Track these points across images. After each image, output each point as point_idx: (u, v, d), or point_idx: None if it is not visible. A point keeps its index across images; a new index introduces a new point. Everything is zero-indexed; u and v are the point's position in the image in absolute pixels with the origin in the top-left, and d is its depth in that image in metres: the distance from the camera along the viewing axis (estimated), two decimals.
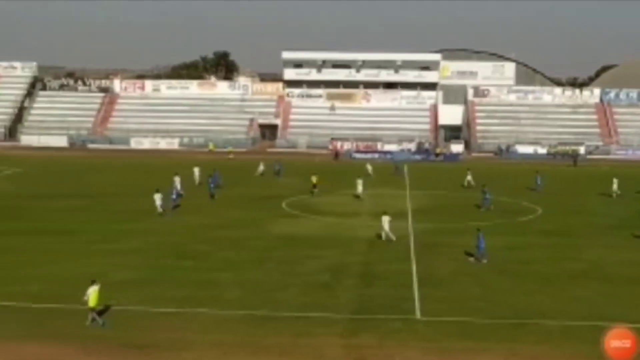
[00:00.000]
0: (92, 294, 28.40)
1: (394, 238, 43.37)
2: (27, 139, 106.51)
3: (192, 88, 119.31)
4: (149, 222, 48.93)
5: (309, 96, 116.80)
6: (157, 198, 51.60)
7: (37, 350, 25.83)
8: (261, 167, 74.67)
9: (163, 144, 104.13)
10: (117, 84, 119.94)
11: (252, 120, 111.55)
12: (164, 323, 28.69)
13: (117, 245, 41.96)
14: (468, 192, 63.69)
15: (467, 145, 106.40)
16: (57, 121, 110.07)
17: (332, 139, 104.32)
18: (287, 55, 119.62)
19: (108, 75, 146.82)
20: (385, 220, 43.63)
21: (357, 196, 59.67)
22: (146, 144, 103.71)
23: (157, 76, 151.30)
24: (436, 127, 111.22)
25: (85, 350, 25.82)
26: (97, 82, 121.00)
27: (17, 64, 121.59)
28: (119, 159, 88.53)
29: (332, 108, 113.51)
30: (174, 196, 54.68)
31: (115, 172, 75.50)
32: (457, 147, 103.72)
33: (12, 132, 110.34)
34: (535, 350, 26.28)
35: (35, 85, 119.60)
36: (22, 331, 27.53)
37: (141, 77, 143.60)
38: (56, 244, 41.83)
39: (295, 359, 25.48)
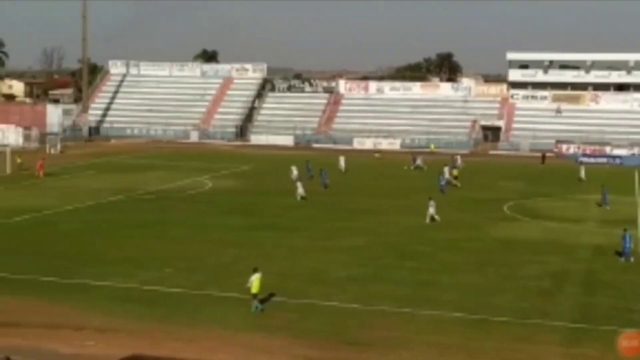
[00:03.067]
0: (255, 281, 29.79)
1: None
2: (256, 138, 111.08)
3: (415, 89, 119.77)
4: (370, 221, 49.74)
5: (534, 98, 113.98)
6: (299, 186, 57.81)
7: (265, 341, 27.03)
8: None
9: (385, 144, 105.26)
10: (342, 85, 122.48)
11: (474, 121, 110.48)
12: (382, 321, 29.16)
13: (339, 242, 43.00)
14: None
15: None
16: (284, 121, 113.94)
17: (557, 141, 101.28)
18: (512, 55, 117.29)
19: (333, 76, 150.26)
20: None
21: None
22: (368, 144, 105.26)
23: (381, 77, 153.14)
24: None
25: (306, 344, 26.73)
26: (323, 83, 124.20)
27: (248, 66, 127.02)
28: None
29: (559, 110, 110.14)
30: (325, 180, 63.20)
31: (338, 172, 76.99)
32: None
33: (243, 131, 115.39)
34: None
35: (264, 87, 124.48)
36: (252, 323, 28.92)
37: (365, 78, 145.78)
38: (283, 240, 43.48)
39: None
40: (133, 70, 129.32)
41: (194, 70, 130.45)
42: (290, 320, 29.20)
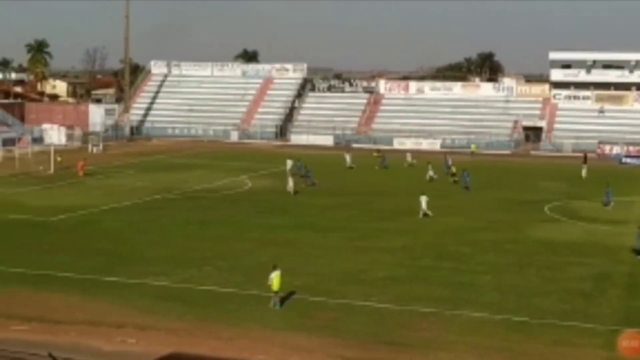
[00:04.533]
0: (275, 278, 29.86)
1: None
2: (296, 138, 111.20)
3: (456, 89, 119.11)
4: (408, 221, 49.51)
5: (577, 98, 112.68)
6: (290, 180, 60.46)
7: (303, 341, 27.11)
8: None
9: (425, 144, 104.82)
10: (382, 85, 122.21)
11: (516, 122, 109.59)
12: (421, 322, 29.06)
13: (376, 243, 42.87)
14: None
15: None
16: (324, 121, 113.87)
17: (600, 142, 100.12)
18: (554, 55, 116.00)
19: (373, 76, 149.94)
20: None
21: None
22: (408, 144, 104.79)
23: (422, 77, 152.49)
24: None
25: (345, 344, 26.72)
26: (363, 83, 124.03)
27: (289, 66, 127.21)
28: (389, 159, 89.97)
29: (602, 111, 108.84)
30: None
31: (376, 172, 76.92)
32: None
33: (283, 131, 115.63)
34: None
35: (305, 87, 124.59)
36: (292, 322, 29.01)
37: (406, 78, 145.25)
38: (322, 240, 43.50)
39: None
40: (174, 70, 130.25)
41: (235, 70, 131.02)
42: (329, 319, 29.21)
